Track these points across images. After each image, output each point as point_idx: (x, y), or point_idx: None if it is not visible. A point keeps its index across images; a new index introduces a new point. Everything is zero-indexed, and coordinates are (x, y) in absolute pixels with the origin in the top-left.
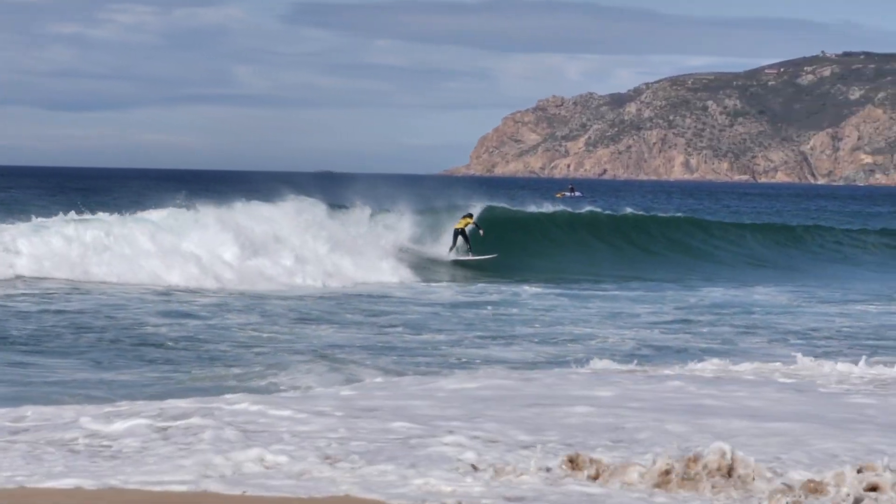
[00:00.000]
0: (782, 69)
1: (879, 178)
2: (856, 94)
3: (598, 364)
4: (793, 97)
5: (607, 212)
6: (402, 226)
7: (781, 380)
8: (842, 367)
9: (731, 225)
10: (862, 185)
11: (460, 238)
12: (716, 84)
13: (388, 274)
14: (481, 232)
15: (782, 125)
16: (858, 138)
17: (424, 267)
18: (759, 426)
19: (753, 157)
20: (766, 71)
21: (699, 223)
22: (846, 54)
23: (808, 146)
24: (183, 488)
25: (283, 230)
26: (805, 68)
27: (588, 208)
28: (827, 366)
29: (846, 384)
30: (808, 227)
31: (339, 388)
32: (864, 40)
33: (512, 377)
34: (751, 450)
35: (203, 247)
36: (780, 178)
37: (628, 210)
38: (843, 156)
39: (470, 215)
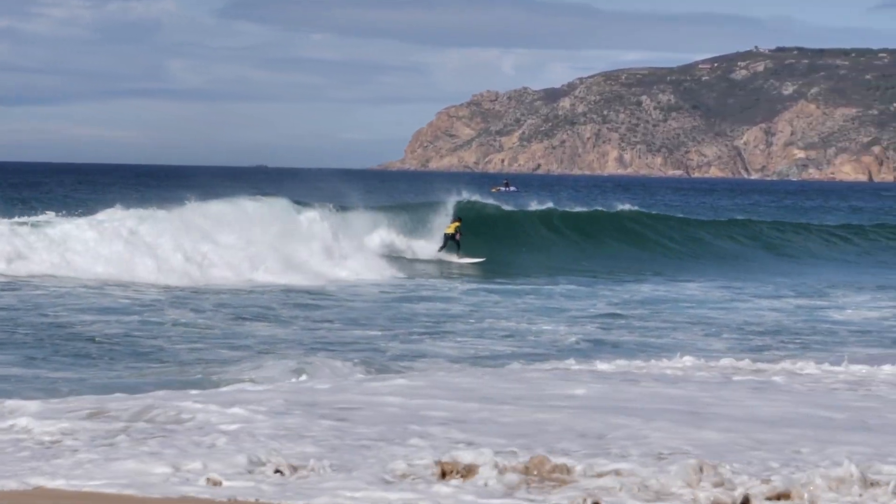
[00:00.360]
0: (716, 64)
1: (812, 173)
2: (789, 89)
3: (515, 365)
4: (726, 92)
5: (564, 209)
6: (361, 222)
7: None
8: (747, 363)
9: (677, 220)
10: (795, 179)
11: (450, 241)
12: (650, 79)
13: (346, 271)
14: (458, 250)
15: (716, 120)
16: (791, 133)
17: (391, 264)
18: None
19: (687, 151)
20: (700, 66)
21: (640, 218)
22: (779, 49)
23: (742, 141)
24: (111, 490)
25: (241, 226)
26: (738, 63)
27: (549, 205)
28: (725, 361)
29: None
30: (745, 220)
31: (261, 384)
32: (797, 35)
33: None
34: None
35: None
36: (714, 172)
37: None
38: (776, 151)
39: (460, 219)
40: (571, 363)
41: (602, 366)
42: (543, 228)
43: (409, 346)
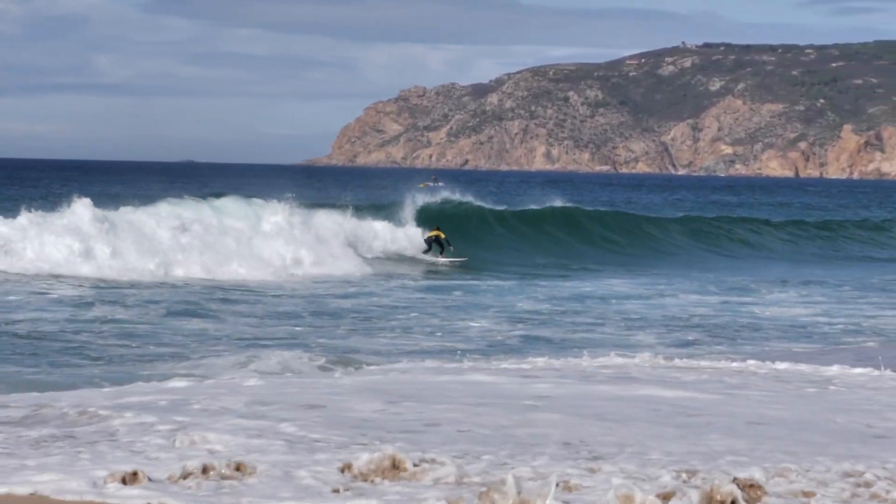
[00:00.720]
0: (643, 60)
1: (739, 169)
2: (716, 84)
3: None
4: (653, 88)
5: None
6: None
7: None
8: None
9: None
10: (722, 175)
11: (434, 244)
12: (577, 75)
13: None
14: (451, 248)
15: (643, 116)
16: (718, 129)
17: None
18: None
19: (615, 147)
20: (628, 62)
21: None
22: (706, 45)
23: (669, 137)
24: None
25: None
26: (666, 59)
27: (504, 206)
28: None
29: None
30: (678, 218)
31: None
32: (723, 32)
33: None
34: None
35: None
36: (642, 168)
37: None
38: (703, 146)
39: (438, 228)
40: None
41: (509, 365)
42: (494, 225)
43: (337, 342)
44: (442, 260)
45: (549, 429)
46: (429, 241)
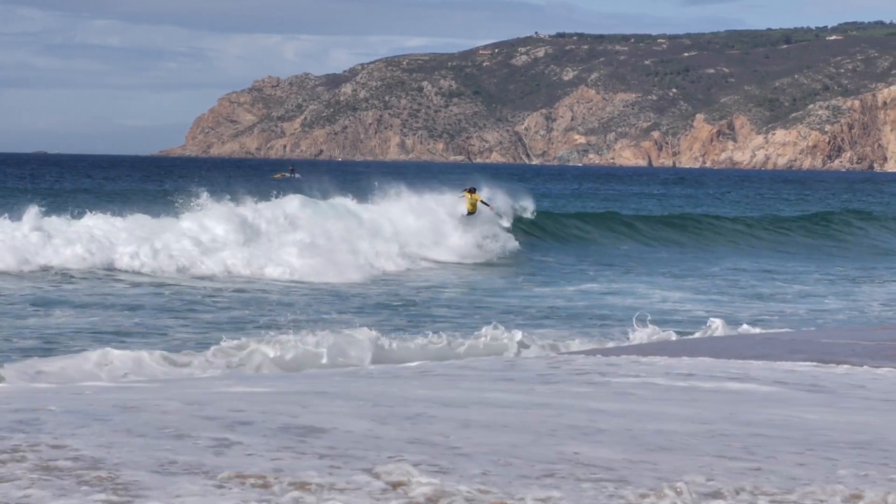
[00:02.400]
0: (497, 50)
1: (593, 158)
2: (569, 74)
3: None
4: (507, 78)
5: None
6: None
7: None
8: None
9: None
10: (576, 165)
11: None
12: (431, 65)
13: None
14: (491, 207)
15: (497, 106)
16: (572, 119)
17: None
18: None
19: (468, 137)
20: (481, 52)
21: None
22: (559, 35)
23: (523, 126)
24: None
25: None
26: (519, 49)
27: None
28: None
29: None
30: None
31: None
32: (577, 22)
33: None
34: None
35: None
36: (496, 158)
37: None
38: (556, 136)
39: (473, 189)
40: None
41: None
42: None
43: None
44: (492, 211)
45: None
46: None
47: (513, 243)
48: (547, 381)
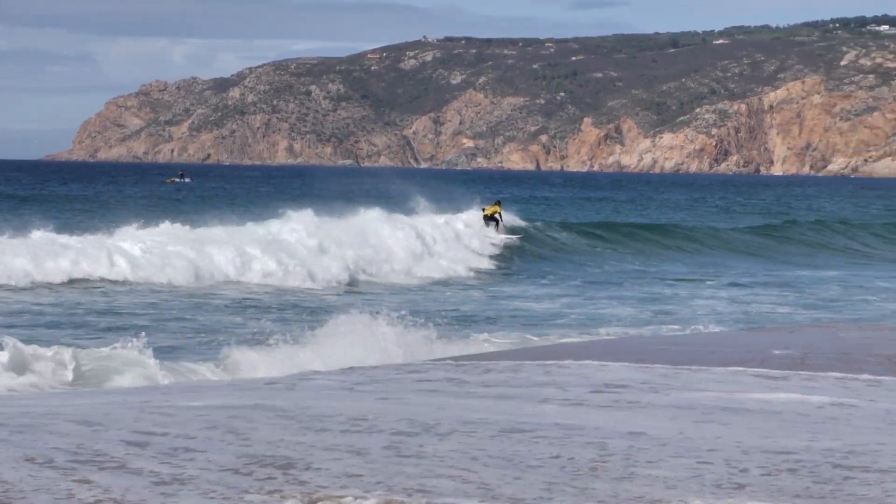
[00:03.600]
0: (385, 54)
1: (481, 162)
2: (457, 78)
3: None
4: (395, 82)
5: None
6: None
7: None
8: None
9: None
10: (465, 169)
11: (489, 220)
12: (319, 69)
13: None
14: (502, 224)
15: (385, 110)
16: (460, 122)
17: None
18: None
19: (357, 141)
20: (369, 56)
21: None
22: (448, 39)
23: (411, 130)
24: None
25: None
26: (407, 53)
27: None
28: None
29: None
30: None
31: None
32: (465, 25)
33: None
34: None
35: None
36: (384, 162)
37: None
38: (445, 140)
39: (499, 202)
40: None
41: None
42: None
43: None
44: (500, 236)
45: None
46: (486, 219)
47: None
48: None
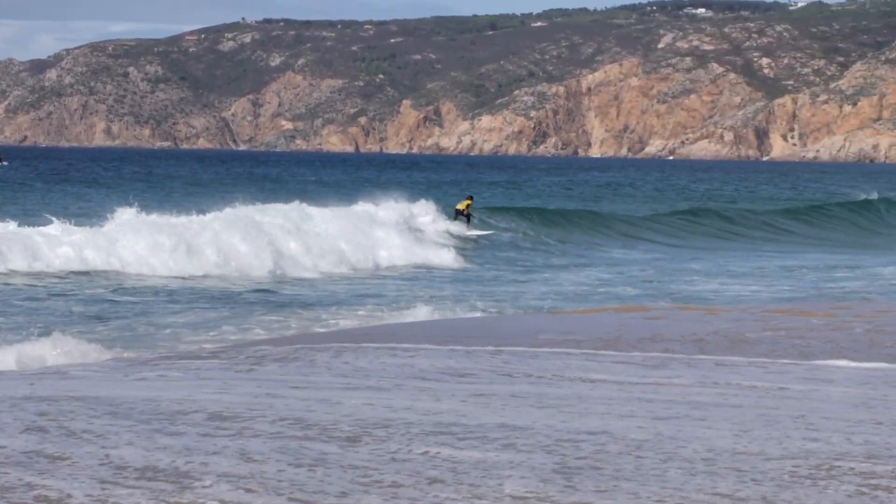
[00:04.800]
0: (203, 35)
1: (300, 144)
2: (276, 60)
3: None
4: (214, 64)
5: None
6: None
7: None
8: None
9: None
10: (283, 150)
11: (460, 216)
12: (137, 51)
13: None
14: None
15: (204, 91)
16: (279, 104)
17: None
18: None
19: (175, 123)
20: (187, 37)
21: None
22: (266, 21)
23: (230, 112)
24: None
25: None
26: (226, 35)
27: None
28: None
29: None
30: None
31: None
32: (283, 7)
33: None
34: None
35: None
36: (203, 144)
37: None
38: (263, 122)
39: (471, 197)
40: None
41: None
42: None
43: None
44: (469, 233)
45: None
46: (456, 212)
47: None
48: None
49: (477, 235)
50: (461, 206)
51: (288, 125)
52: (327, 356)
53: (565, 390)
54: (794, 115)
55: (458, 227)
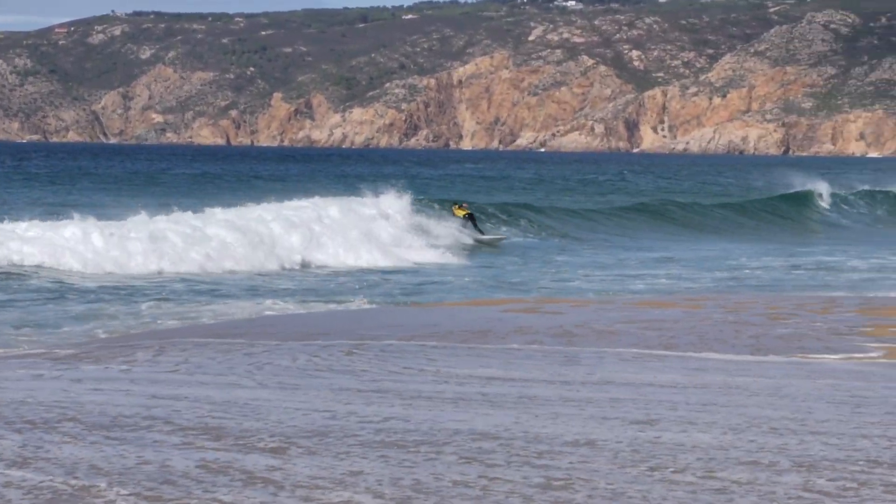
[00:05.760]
0: (73, 28)
1: (171, 137)
2: (146, 53)
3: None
4: (84, 56)
5: None
6: None
7: None
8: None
9: None
10: (154, 143)
11: (468, 221)
12: (6, 43)
13: None
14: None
15: (73, 84)
16: (150, 97)
17: None
18: None
19: (45, 116)
20: (57, 30)
21: None
22: (136, 14)
23: (100, 105)
24: None
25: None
26: (96, 28)
27: None
28: None
29: None
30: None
31: None
32: (153, 0)
33: None
34: None
35: None
36: (72, 137)
37: None
38: (134, 115)
39: (463, 205)
40: None
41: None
42: None
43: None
44: (484, 237)
45: None
46: (465, 218)
47: None
48: None
49: (493, 238)
50: (462, 213)
51: (159, 118)
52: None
53: (404, 384)
54: (664, 108)
55: (470, 233)
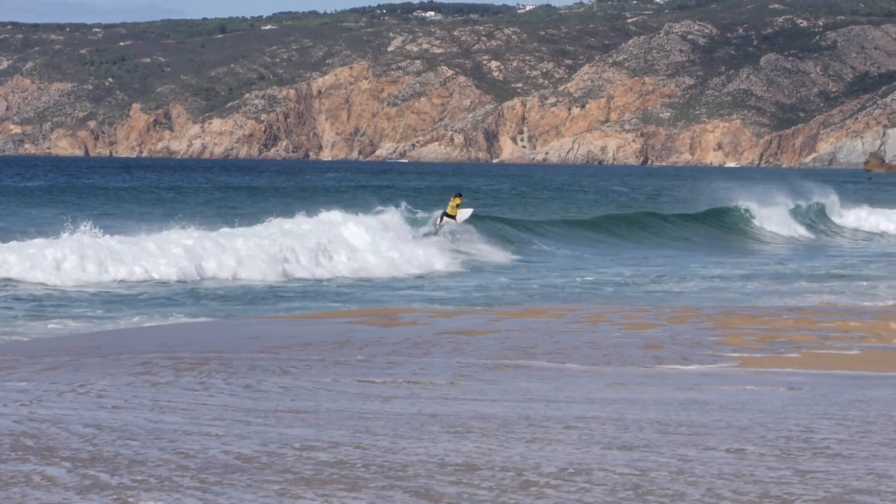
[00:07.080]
0: None
1: (28, 148)
2: (3, 63)
3: None
4: None
5: None
6: None
7: None
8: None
9: None
10: (11, 154)
11: (446, 218)
12: None
13: None
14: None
15: None
16: (7, 108)
17: None
18: None
19: None
20: None
21: None
22: None
23: None
24: None
25: None
26: None
27: None
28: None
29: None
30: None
31: None
32: (10, 10)
33: None
34: None
35: None
36: None
37: None
38: None
39: (459, 195)
40: None
41: None
42: None
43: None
44: (457, 223)
45: None
46: (444, 215)
47: None
48: None
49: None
50: (451, 210)
51: (16, 129)
52: None
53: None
54: (523, 118)
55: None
